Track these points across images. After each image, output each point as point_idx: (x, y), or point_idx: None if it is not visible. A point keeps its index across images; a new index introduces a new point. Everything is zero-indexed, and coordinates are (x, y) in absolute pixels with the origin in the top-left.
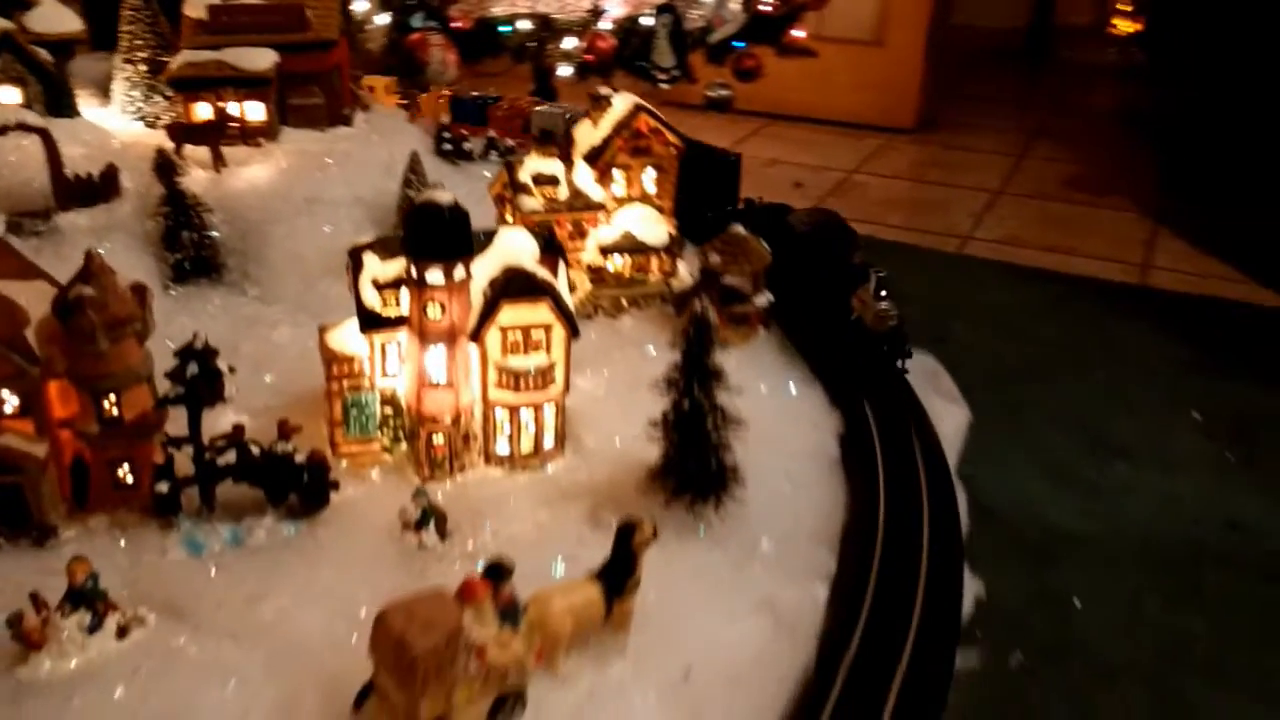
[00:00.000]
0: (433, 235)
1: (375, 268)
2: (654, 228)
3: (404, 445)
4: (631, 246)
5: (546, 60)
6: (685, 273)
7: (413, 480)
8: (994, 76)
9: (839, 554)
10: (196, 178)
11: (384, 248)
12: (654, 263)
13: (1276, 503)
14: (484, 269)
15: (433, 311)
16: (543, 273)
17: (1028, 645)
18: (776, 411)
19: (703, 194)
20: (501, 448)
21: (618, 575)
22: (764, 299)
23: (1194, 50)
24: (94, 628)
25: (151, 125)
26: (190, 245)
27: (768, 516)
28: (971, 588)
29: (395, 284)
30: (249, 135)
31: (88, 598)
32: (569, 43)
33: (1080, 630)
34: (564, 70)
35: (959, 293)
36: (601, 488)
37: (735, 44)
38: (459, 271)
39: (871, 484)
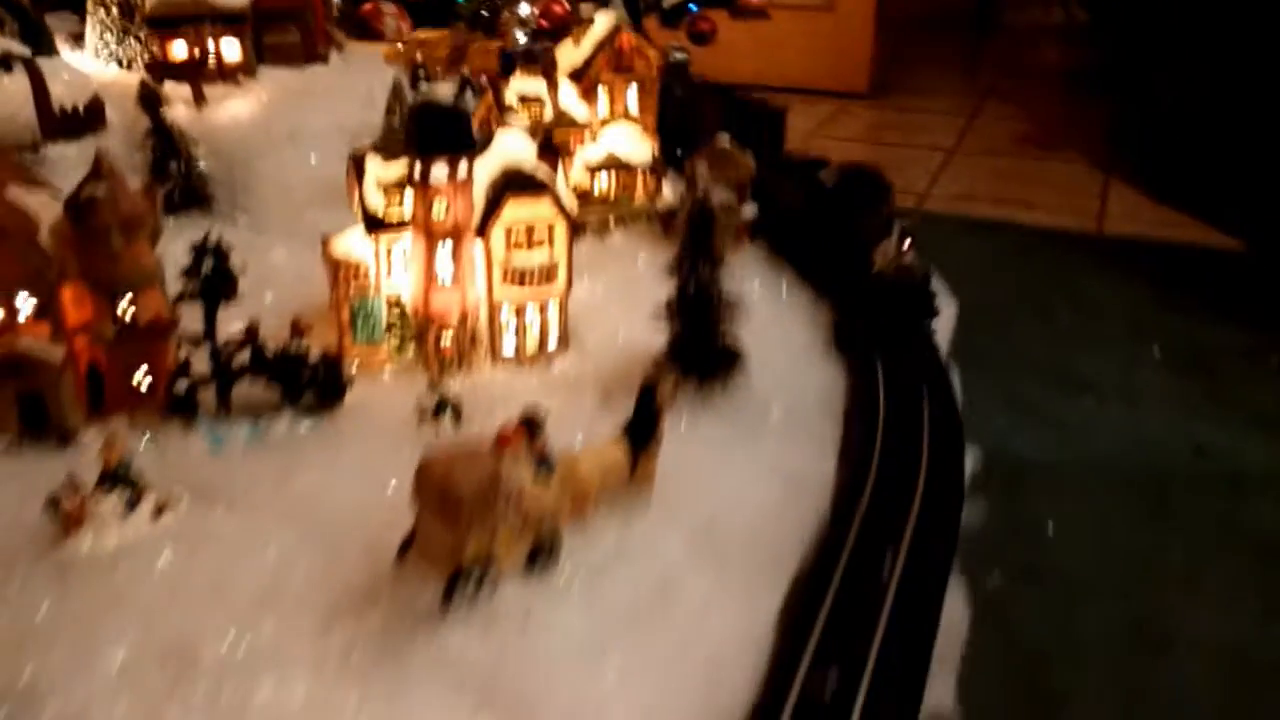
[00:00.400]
0: (436, 130)
1: (378, 170)
2: (638, 146)
3: (411, 350)
4: (617, 165)
5: (501, 28)
6: (670, 193)
7: (423, 380)
8: (942, 41)
9: (843, 425)
10: (179, 114)
11: (386, 150)
12: (639, 182)
13: (1238, 428)
14: (484, 170)
15: (438, 209)
16: (543, 171)
17: (1004, 570)
18: (771, 308)
19: (748, 146)
20: (508, 348)
21: (641, 433)
22: (750, 210)
23: (1134, 7)
24: (130, 507)
25: (127, 67)
26: (178, 176)
27: (773, 394)
28: (971, 453)
29: (399, 185)
30: (227, 73)
31: (123, 479)
32: (523, 9)
33: (1055, 554)
34: (520, 37)
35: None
36: (608, 378)
37: (689, 7)
38: (462, 168)
39: (868, 364)
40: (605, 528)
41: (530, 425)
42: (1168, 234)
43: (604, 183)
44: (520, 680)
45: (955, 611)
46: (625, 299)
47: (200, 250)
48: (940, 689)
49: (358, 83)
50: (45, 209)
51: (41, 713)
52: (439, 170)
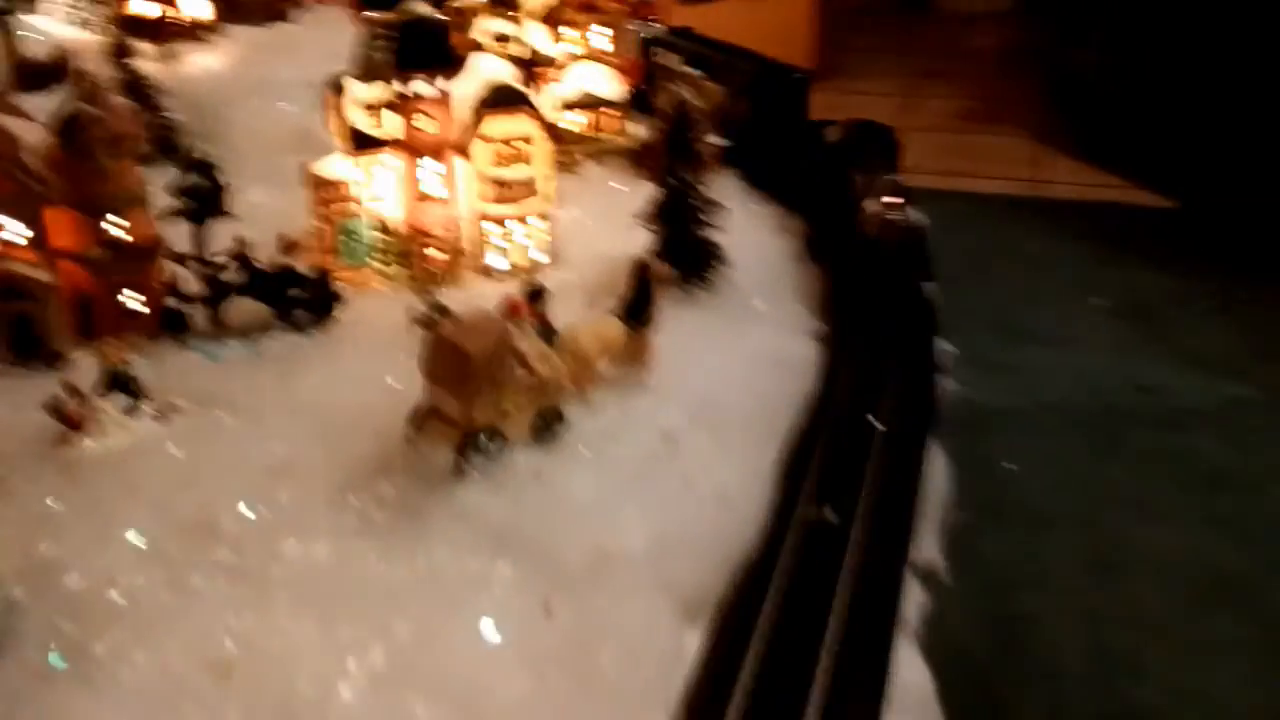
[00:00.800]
0: (418, 46)
1: (358, 91)
2: (609, 83)
3: (398, 269)
4: (589, 102)
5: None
6: (639, 130)
7: (412, 296)
8: (876, 29)
9: (823, 316)
10: (147, 69)
11: (364, 72)
12: (610, 120)
13: (1177, 366)
14: (463, 89)
15: (421, 123)
16: (520, 87)
17: (969, 506)
18: (745, 220)
19: (769, 114)
20: (493, 261)
21: (637, 309)
22: (716, 140)
23: None
24: (132, 410)
25: (91, 30)
26: (151, 126)
27: (754, 290)
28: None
29: (379, 104)
30: (190, 30)
31: (123, 382)
32: None
33: (1016, 489)
34: None
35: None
36: (594, 286)
37: None
38: (443, 83)
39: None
40: (606, 404)
41: (533, 294)
42: (1102, 196)
43: (575, 120)
44: (537, 529)
45: (937, 475)
46: (605, 219)
47: (188, 164)
48: (929, 543)
49: (323, 38)
50: (28, 133)
51: (60, 584)
52: (421, 85)
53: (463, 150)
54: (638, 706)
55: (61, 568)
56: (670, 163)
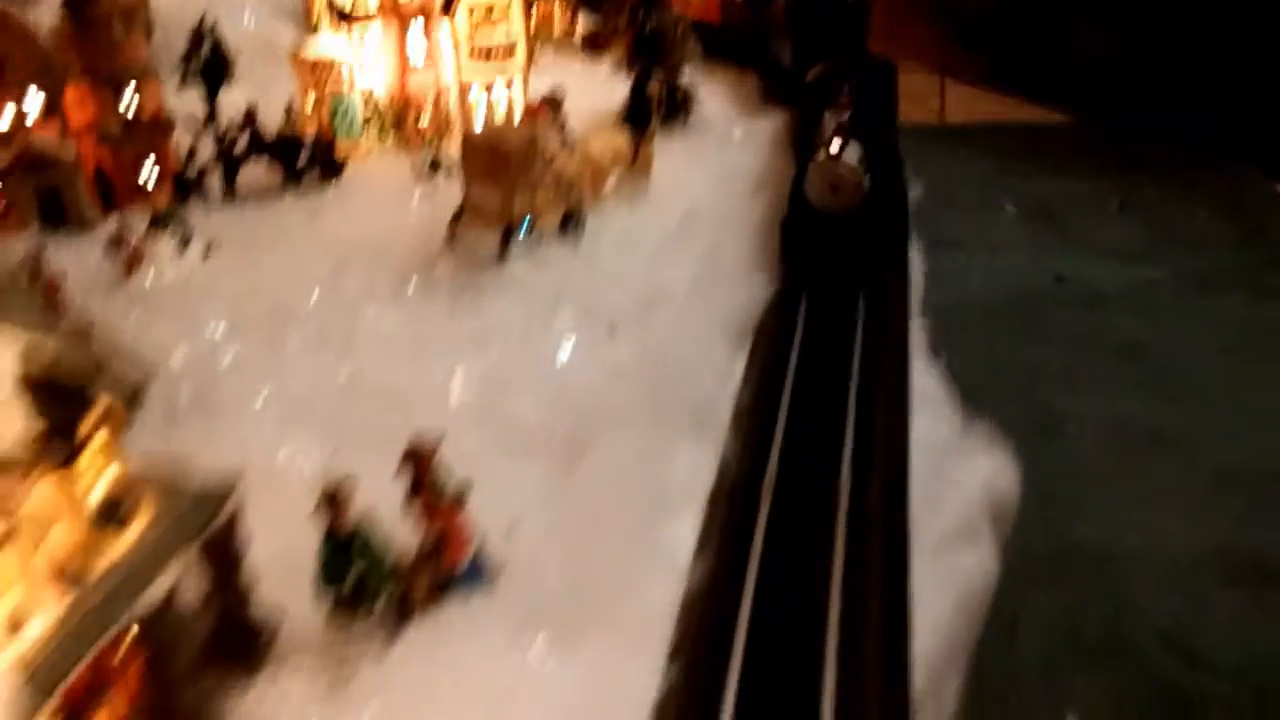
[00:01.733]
0: None
1: None
2: None
3: (390, 138)
4: None
5: None
6: (584, 23)
7: (407, 160)
8: None
9: (797, 151)
10: None
11: None
12: (555, 13)
13: (1088, 257)
14: None
15: None
16: None
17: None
18: (707, 76)
19: (822, 41)
20: (480, 123)
21: (639, 117)
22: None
23: None
24: (184, 246)
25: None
26: None
27: (730, 124)
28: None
29: None
30: None
31: (172, 219)
32: None
33: (951, 374)
34: None
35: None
36: (581, 132)
37: None
38: None
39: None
40: (616, 210)
41: (552, 102)
42: (1002, 116)
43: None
44: (588, 285)
45: (915, 269)
46: (577, 87)
47: (197, 34)
48: (917, 329)
49: None
50: (43, 15)
51: (167, 363)
52: None
53: (446, 12)
54: (702, 408)
55: (164, 352)
56: (644, 7)
